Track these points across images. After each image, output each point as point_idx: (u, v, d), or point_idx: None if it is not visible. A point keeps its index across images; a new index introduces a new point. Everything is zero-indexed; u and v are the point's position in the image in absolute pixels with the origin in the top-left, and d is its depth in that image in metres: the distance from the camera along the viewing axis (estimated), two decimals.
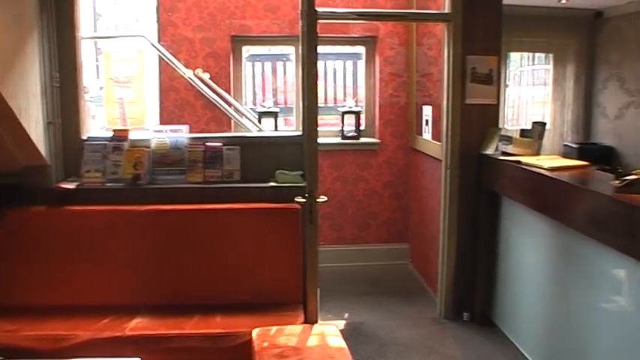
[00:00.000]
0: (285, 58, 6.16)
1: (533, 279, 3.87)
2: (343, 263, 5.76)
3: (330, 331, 3.27)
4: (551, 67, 7.80)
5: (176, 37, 5.38)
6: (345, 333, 4.22)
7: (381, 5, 5.51)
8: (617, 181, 2.83)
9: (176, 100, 5.43)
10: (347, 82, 6.29)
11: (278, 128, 5.47)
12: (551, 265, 3.64)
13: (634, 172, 2.83)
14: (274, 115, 5.48)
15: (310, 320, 3.56)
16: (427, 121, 5.17)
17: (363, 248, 5.86)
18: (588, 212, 2.99)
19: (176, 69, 5.14)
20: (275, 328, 3.22)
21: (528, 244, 3.96)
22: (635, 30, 6.99)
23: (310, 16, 3.47)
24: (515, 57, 7.71)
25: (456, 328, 4.43)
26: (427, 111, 5.18)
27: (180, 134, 3.86)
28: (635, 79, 7.04)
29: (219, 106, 5.20)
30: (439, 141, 4.61)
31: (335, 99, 6.27)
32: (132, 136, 3.89)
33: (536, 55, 7.83)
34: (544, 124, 4.14)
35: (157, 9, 5.37)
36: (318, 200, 3.46)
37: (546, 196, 3.46)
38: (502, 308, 4.33)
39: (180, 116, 5.38)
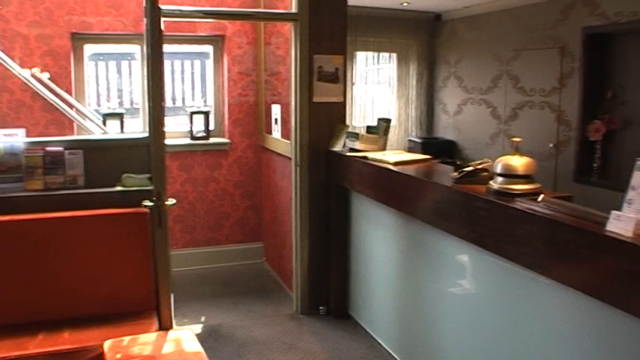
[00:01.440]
0: (130, 57, 5.94)
1: (384, 270, 4.01)
2: (197, 266, 5.68)
3: (185, 336, 3.19)
4: (394, 66, 8.15)
5: (8, 32, 4.99)
6: (203, 336, 4.19)
7: (228, 4, 5.47)
8: (456, 173, 3.00)
9: (10, 101, 5.05)
10: (195, 81, 6.18)
11: (124, 130, 5.26)
12: (401, 256, 3.79)
13: (471, 163, 3.01)
14: (120, 116, 5.26)
15: (165, 327, 3.46)
16: (276, 120, 5.20)
17: (216, 249, 5.80)
18: (431, 203, 3.14)
19: (9, 68, 4.79)
20: (128, 338, 3.09)
21: (378, 237, 4.10)
22: (471, 32, 7.50)
23: (154, 13, 3.35)
24: (361, 56, 7.96)
25: (313, 323, 4.51)
26: (276, 110, 5.22)
27: (16, 139, 3.59)
28: (471, 77, 7.54)
29: (60, 108, 4.91)
30: (288, 139, 4.65)
31: (183, 99, 6.15)
32: None
33: (382, 54, 8.14)
34: (389, 120, 4.29)
35: None
36: (166, 203, 3.36)
37: (393, 189, 3.60)
38: (357, 300, 4.46)
39: (15, 119, 5.01)
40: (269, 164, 5.56)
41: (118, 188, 3.63)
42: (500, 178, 2.69)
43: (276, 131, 5.22)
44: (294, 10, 4.36)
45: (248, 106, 5.76)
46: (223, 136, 5.80)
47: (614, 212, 2.08)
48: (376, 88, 8.17)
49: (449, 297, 3.27)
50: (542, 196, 2.54)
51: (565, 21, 5.97)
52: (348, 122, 4.68)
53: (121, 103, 5.84)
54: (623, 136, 5.51)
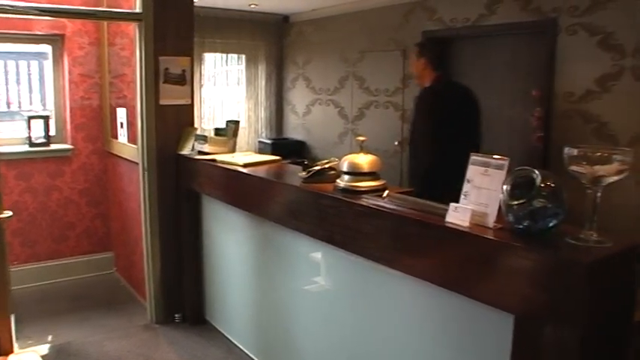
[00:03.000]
0: None
1: (238, 272, 3.99)
2: (42, 282, 5.33)
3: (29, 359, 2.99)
4: (243, 67, 8.16)
5: None
6: (50, 357, 3.95)
7: (68, 1, 5.17)
8: (304, 173, 3.03)
9: None
10: (32, 84, 5.82)
11: None
12: (254, 257, 3.79)
13: (319, 163, 3.06)
14: None
15: (5, 351, 3.22)
16: (122, 124, 5.02)
17: (62, 262, 5.48)
18: (281, 204, 3.16)
19: None
20: None
21: (231, 239, 4.07)
22: (318, 34, 7.66)
23: None
24: (209, 58, 7.89)
25: (169, 331, 4.40)
26: (122, 113, 5.03)
27: None
28: (318, 78, 7.71)
29: None
30: (135, 143, 4.50)
31: (19, 103, 5.77)
32: None
33: (230, 56, 8.12)
34: (237, 122, 4.26)
35: None
36: (1, 216, 3.13)
37: (242, 191, 3.58)
38: (212, 305, 4.40)
39: None
40: (116, 170, 5.35)
41: None
42: (346, 176, 2.76)
43: (123, 135, 5.03)
44: (138, 9, 4.21)
45: (92, 110, 5.49)
46: (65, 142, 5.49)
47: (452, 204, 2.19)
48: (225, 90, 8.13)
49: (304, 295, 3.31)
50: (387, 192, 2.63)
51: (407, 25, 6.25)
52: (196, 125, 4.61)
53: None
54: None
